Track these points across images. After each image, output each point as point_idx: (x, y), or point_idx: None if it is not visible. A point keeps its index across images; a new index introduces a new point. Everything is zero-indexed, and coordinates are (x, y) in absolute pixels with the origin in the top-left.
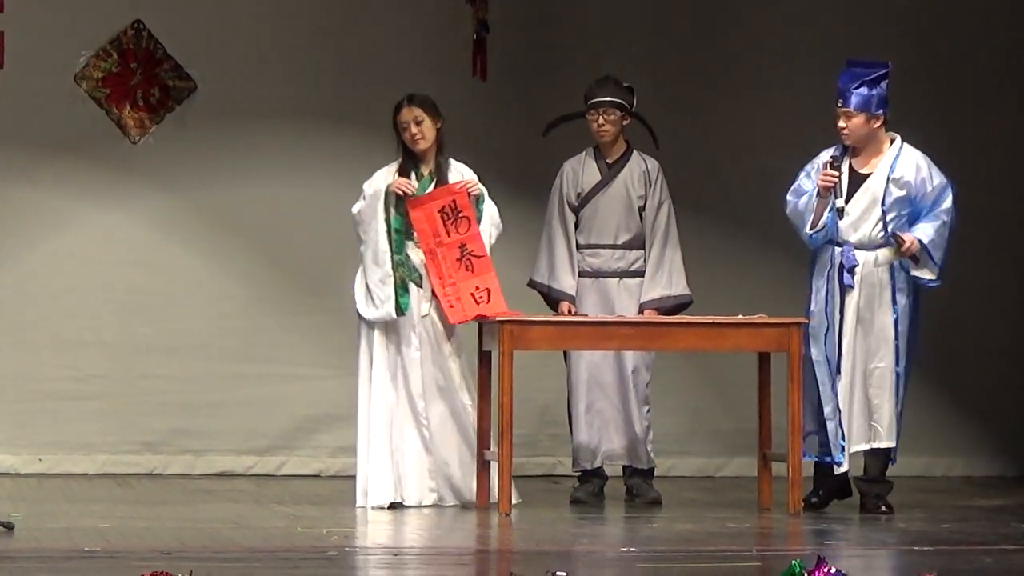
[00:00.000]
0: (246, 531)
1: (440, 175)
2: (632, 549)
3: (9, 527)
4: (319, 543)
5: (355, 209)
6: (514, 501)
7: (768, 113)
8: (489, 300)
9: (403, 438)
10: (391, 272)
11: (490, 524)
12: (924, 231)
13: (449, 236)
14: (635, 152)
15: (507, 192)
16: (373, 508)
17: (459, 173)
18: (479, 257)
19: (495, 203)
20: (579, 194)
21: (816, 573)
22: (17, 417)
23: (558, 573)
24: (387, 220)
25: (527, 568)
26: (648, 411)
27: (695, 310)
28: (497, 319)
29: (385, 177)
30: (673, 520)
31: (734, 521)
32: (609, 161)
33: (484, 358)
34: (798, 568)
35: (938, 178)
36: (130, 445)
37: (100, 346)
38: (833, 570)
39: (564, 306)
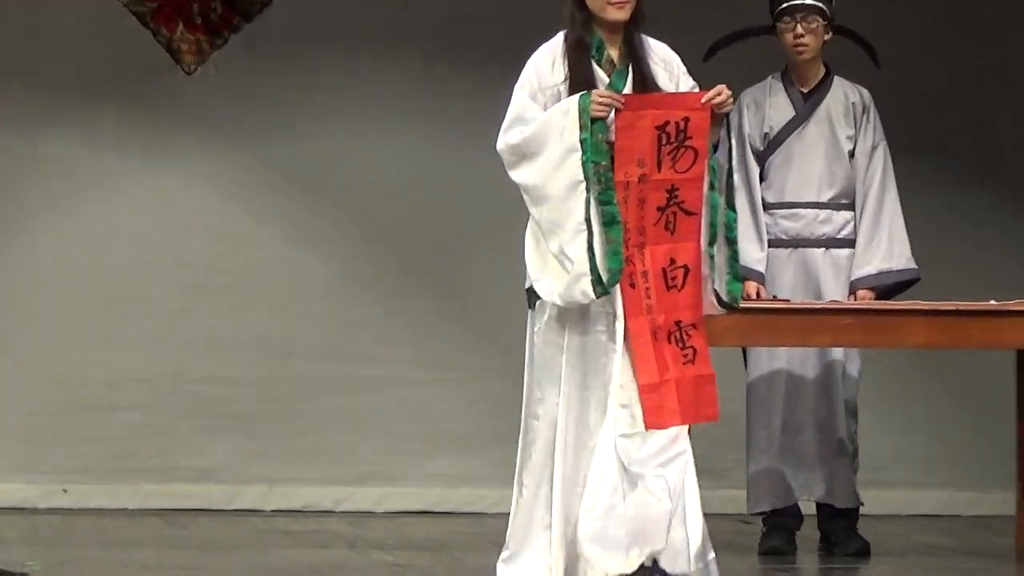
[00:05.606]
0: None
1: (637, 62)
2: None
3: None
4: None
5: (514, 139)
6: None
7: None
8: (683, 286)
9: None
10: (583, 225)
11: None
12: None
13: (660, 170)
14: (836, 78)
15: None
16: None
17: (661, 61)
18: (690, 214)
19: None
20: (766, 135)
21: None
22: (34, 434)
23: None
24: (585, 142)
25: None
26: (856, 431)
27: (917, 293)
28: None
29: (552, 69)
30: (904, 572)
31: (983, 575)
32: (804, 90)
33: None
34: None
35: None
36: (184, 472)
37: (143, 341)
38: None
39: (751, 287)
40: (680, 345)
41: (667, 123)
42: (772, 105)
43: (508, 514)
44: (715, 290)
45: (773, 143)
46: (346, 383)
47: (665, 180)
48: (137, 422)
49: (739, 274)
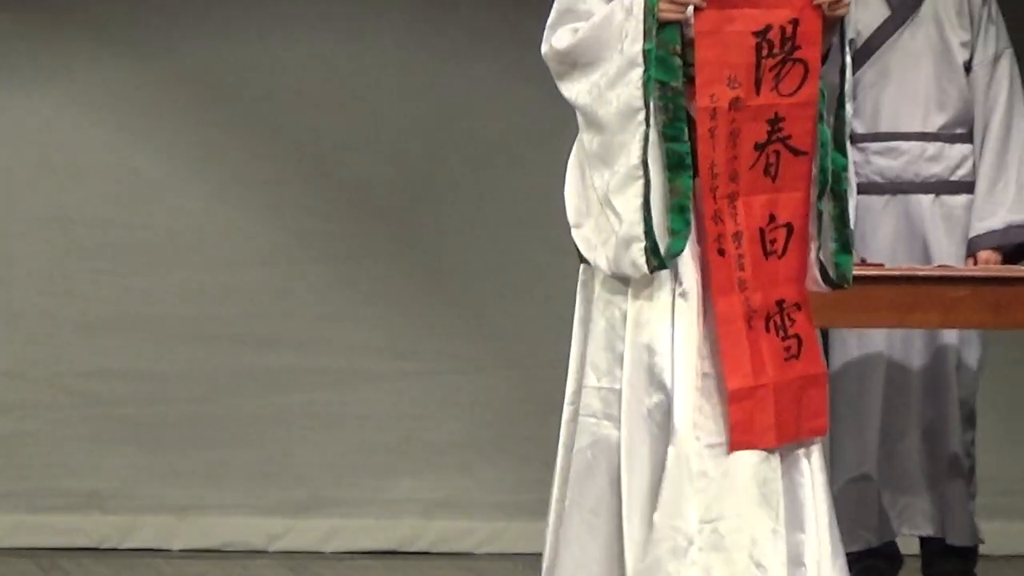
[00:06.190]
0: None
1: None
2: None
3: None
4: None
5: (562, 42)
6: None
7: None
8: (784, 251)
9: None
10: (639, 168)
11: None
12: None
13: (759, 92)
14: None
15: None
16: None
17: None
18: (797, 154)
19: None
20: (851, 43)
21: None
22: None
23: None
24: (648, 54)
25: None
26: (973, 441)
27: None
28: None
29: None
30: None
31: None
32: None
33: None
34: None
35: None
36: (64, 498)
37: (10, 322)
38: None
39: None
40: (782, 334)
41: (768, 28)
42: (859, 3)
43: (501, 554)
44: (819, 260)
45: (861, 54)
46: (286, 378)
47: (766, 106)
48: (1, 431)
49: (849, 242)
